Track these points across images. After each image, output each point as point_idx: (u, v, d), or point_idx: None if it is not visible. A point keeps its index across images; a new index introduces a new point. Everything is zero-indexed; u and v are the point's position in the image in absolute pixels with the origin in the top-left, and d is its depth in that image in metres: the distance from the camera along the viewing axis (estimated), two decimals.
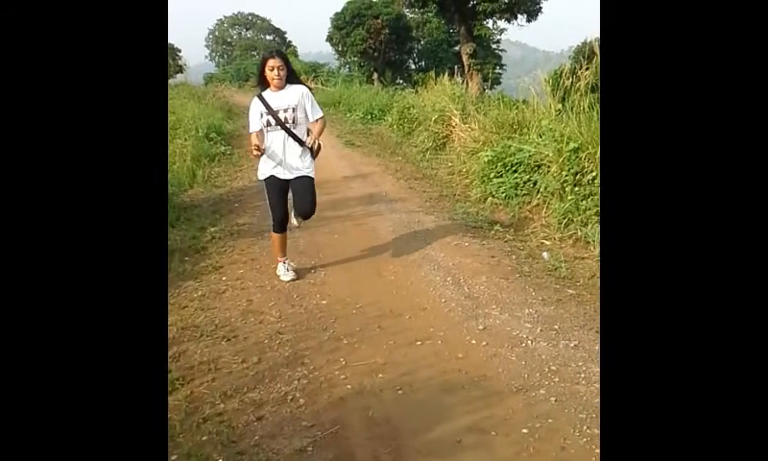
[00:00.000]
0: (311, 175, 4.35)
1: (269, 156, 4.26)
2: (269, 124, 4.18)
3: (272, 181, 4.32)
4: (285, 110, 4.15)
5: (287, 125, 4.15)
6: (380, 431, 2.63)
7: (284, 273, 4.52)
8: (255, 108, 4.23)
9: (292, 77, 4.26)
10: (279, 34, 53.41)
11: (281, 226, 4.46)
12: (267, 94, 4.20)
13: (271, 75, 4.13)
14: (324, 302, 4.04)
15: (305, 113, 4.25)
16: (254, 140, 4.22)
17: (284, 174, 4.28)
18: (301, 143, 4.24)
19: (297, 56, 37.64)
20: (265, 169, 4.32)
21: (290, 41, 50.54)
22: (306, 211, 4.39)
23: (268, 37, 53.27)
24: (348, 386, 2.99)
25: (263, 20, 55.15)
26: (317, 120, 4.31)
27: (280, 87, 4.18)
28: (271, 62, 4.13)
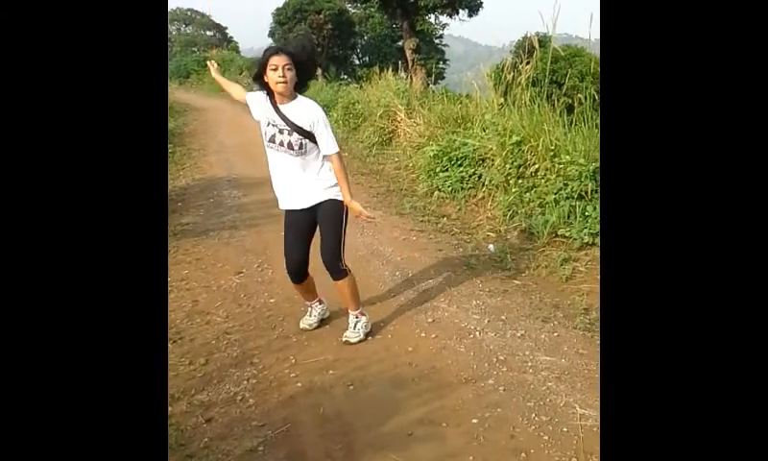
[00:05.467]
0: (335, 196, 3.24)
1: (277, 182, 3.28)
2: (272, 141, 3.15)
3: (288, 218, 3.35)
4: (291, 132, 3.09)
5: (296, 150, 3.12)
6: (332, 428, 2.62)
7: (306, 317, 3.62)
8: (261, 104, 3.20)
9: (302, 85, 3.17)
10: (220, 29, 52.43)
11: (295, 274, 3.41)
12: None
13: (274, 78, 3.00)
14: (272, 300, 4.00)
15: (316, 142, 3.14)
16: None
17: (302, 202, 3.24)
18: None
19: (238, 51, 37.05)
20: (282, 201, 3.32)
21: (231, 37, 49.72)
22: (327, 264, 3.32)
23: (208, 33, 52.20)
24: (299, 384, 2.97)
25: (203, 16, 54.03)
26: (330, 157, 3.16)
27: (287, 96, 3.09)
28: (275, 60, 2.99)
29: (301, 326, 3.58)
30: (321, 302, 3.65)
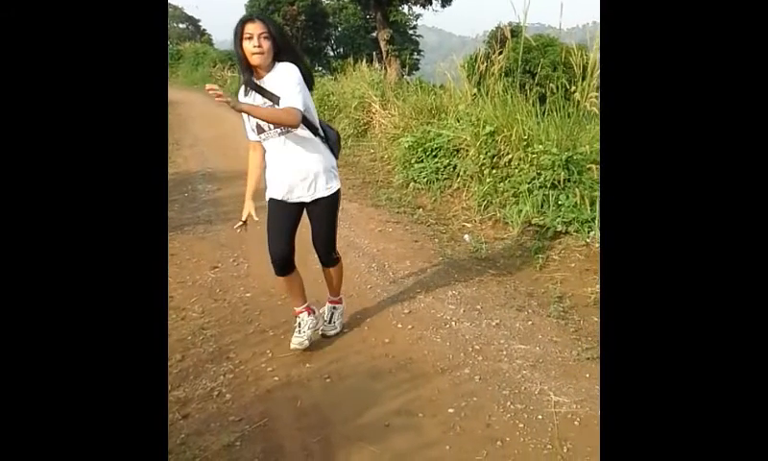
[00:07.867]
0: (332, 192, 3.05)
1: (272, 172, 2.99)
2: (260, 130, 2.88)
3: (274, 205, 3.04)
4: (273, 106, 2.77)
5: (280, 130, 2.84)
6: (309, 421, 2.63)
7: (296, 335, 3.20)
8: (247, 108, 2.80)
9: (285, 54, 2.81)
10: (193, 22, 51.85)
11: (281, 266, 3.06)
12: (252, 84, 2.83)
13: (249, 48, 2.70)
14: (248, 294, 3.99)
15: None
16: (248, 204, 3.03)
17: (295, 194, 2.99)
18: (324, 141, 3.03)
19: (212, 44, 36.72)
20: (270, 188, 3.04)
21: (204, 29, 49.27)
22: (320, 254, 3.19)
23: (181, 26, 51.55)
24: (276, 378, 2.97)
25: (175, 8, 53.26)
26: (286, 107, 2.71)
27: (265, 68, 2.77)
28: (249, 28, 2.69)
29: (292, 346, 3.17)
30: (311, 311, 3.27)
